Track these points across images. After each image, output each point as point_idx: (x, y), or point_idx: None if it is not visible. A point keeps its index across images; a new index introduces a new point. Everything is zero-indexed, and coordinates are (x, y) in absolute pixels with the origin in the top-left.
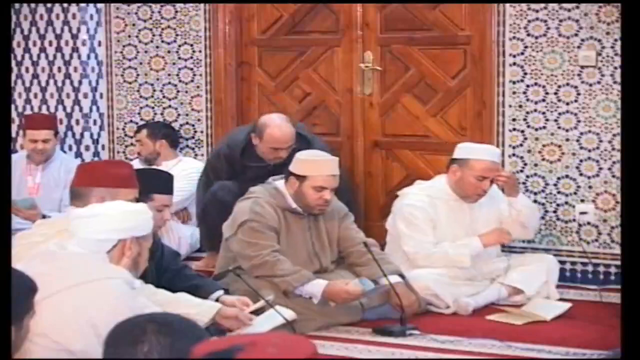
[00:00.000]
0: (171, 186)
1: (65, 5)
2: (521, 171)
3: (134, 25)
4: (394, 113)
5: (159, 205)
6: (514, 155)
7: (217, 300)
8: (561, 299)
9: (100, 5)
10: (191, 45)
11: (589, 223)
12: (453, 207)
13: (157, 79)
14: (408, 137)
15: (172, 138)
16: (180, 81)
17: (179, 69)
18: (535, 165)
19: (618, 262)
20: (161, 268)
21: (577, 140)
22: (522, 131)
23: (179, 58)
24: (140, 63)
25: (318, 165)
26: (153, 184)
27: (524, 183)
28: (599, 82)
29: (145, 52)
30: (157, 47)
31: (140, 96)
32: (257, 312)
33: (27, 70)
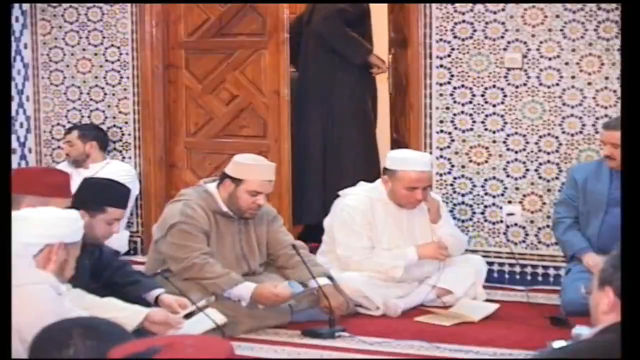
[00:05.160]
0: (127, 200)
1: None
2: (449, 173)
3: (60, 27)
4: None
5: (111, 218)
6: (441, 157)
7: (156, 298)
8: (489, 300)
9: (25, 7)
10: (118, 47)
11: (516, 224)
12: (392, 211)
13: (84, 82)
14: None
15: (103, 140)
16: (107, 84)
17: (106, 71)
18: (463, 167)
19: (545, 263)
20: (100, 267)
21: (504, 142)
22: (450, 133)
23: (106, 60)
24: (67, 65)
25: (255, 170)
26: (108, 196)
27: (451, 185)
28: (525, 84)
29: (72, 54)
30: (84, 49)
31: (67, 99)
32: (190, 314)
33: None
